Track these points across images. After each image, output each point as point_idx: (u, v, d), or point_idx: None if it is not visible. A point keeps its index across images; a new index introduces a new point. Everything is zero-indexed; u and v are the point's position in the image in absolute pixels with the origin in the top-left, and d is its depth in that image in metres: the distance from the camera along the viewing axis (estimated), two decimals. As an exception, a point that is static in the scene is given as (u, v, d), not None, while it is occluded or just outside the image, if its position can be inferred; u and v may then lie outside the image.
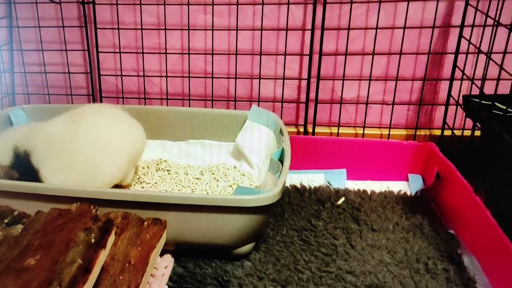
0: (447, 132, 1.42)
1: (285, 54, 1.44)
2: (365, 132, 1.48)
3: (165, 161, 1.34)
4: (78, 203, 0.95)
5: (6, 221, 0.92)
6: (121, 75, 1.54)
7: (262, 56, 1.46)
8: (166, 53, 1.49)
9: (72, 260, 0.79)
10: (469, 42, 1.30)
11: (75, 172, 1.07)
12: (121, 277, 0.84)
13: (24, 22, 1.52)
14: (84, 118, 1.13)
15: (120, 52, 1.50)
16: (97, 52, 1.50)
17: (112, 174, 1.11)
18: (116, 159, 1.12)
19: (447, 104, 1.42)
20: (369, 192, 1.30)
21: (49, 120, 1.14)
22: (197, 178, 1.27)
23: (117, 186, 1.19)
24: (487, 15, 1.22)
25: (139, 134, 1.19)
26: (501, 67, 1.10)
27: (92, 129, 1.11)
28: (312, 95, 1.46)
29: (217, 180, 1.26)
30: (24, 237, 0.85)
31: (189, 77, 1.51)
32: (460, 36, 1.35)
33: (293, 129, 1.53)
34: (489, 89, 1.21)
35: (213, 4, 1.43)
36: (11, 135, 1.12)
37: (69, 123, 1.11)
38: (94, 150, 1.09)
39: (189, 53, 1.49)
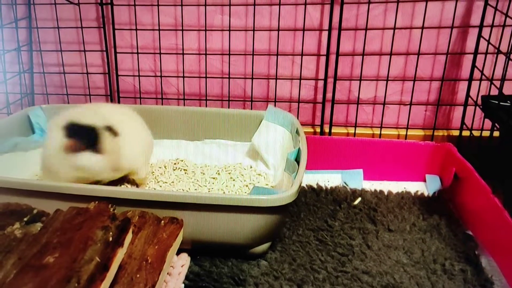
0: (465, 133, 1.41)
1: (302, 55, 1.44)
2: (382, 132, 1.47)
3: (182, 161, 1.35)
4: (96, 202, 0.96)
5: (25, 219, 0.93)
6: (139, 76, 1.55)
7: (278, 56, 1.46)
8: (183, 54, 1.50)
9: (90, 258, 0.80)
10: (488, 42, 1.29)
11: (111, 157, 1.09)
12: (138, 275, 0.84)
13: (43, 23, 1.54)
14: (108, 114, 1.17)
15: (137, 53, 1.51)
16: (115, 52, 1.51)
17: (126, 155, 1.13)
18: (133, 144, 1.15)
19: (465, 105, 1.40)
20: (386, 193, 1.29)
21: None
22: (214, 178, 1.27)
23: (129, 181, 1.20)
24: (506, 15, 1.20)
25: (148, 131, 1.25)
26: (520, 67, 1.09)
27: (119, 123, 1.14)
28: (329, 95, 1.46)
29: (234, 180, 1.26)
30: (43, 235, 0.86)
31: (206, 77, 1.52)
32: (479, 36, 1.33)
33: (309, 129, 1.53)
34: (508, 89, 1.19)
35: (230, 5, 1.43)
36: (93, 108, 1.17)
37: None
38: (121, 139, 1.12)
39: (206, 54, 1.49)
